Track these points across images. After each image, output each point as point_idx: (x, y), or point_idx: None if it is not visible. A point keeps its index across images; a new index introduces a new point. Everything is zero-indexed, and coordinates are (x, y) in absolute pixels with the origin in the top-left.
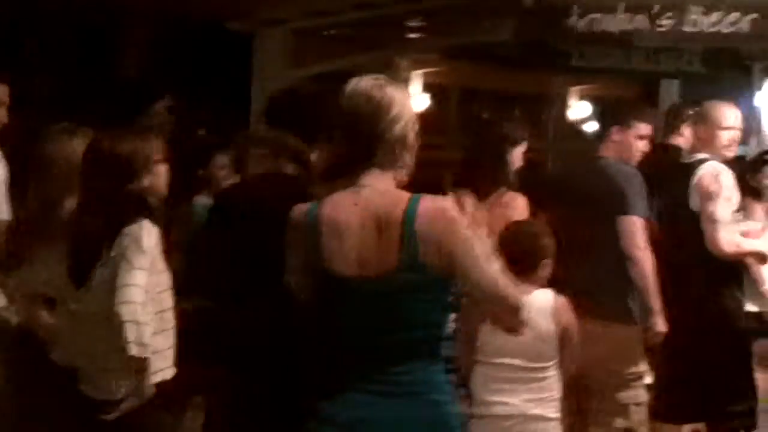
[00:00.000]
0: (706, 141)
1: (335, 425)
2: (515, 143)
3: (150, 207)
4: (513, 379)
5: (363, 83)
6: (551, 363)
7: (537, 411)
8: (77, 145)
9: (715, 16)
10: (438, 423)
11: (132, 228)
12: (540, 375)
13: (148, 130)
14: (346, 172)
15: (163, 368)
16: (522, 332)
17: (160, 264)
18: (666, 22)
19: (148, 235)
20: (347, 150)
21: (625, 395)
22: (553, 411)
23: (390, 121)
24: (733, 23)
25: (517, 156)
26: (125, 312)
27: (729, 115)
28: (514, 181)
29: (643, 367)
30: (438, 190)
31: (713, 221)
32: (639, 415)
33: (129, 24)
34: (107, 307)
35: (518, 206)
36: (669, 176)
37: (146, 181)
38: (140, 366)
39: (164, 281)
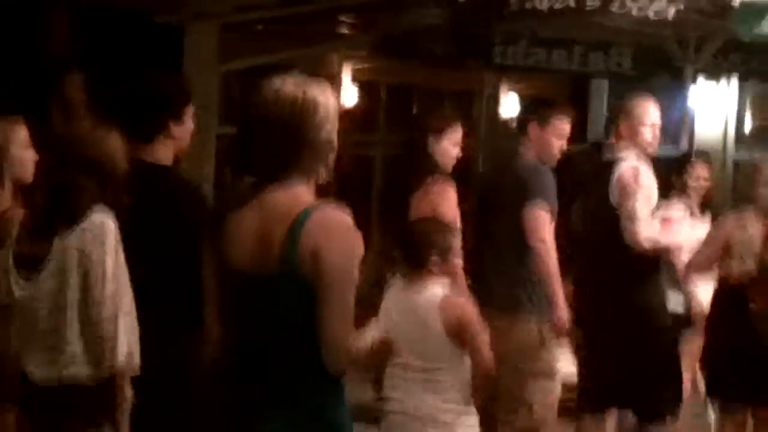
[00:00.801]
0: (629, 137)
1: None
2: (439, 132)
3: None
4: (409, 378)
5: (286, 85)
6: (447, 363)
7: (430, 413)
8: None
9: (642, 1)
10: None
11: (91, 221)
12: (436, 376)
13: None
14: (261, 174)
15: None
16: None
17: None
18: (593, 3)
19: (112, 233)
20: (265, 153)
21: (528, 392)
22: (449, 415)
23: (317, 125)
24: (658, 11)
25: (444, 146)
26: (107, 327)
27: (651, 110)
28: (444, 173)
29: (546, 363)
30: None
31: (631, 218)
32: (543, 413)
33: (53, 12)
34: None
35: (447, 196)
36: (593, 174)
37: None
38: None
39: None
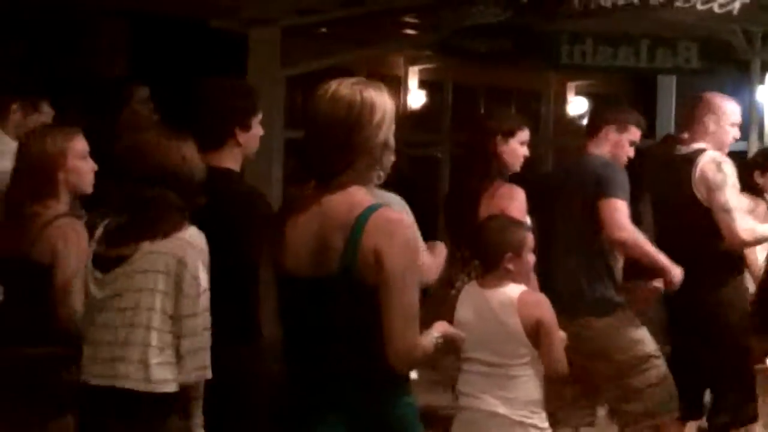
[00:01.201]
0: (710, 133)
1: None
2: (509, 134)
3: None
4: (483, 374)
5: (341, 89)
6: (522, 361)
7: (502, 410)
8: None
9: None
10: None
11: (188, 232)
12: (510, 373)
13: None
14: (322, 177)
15: None
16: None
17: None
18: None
19: (204, 247)
20: (319, 155)
21: (636, 380)
22: (522, 414)
23: (374, 127)
24: (724, 4)
25: (513, 147)
26: (192, 342)
27: (737, 110)
28: (513, 174)
29: (647, 347)
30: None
31: (728, 210)
32: (657, 396)
33: (114, 23)
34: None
35: (516, 197)
36: (668, 169)
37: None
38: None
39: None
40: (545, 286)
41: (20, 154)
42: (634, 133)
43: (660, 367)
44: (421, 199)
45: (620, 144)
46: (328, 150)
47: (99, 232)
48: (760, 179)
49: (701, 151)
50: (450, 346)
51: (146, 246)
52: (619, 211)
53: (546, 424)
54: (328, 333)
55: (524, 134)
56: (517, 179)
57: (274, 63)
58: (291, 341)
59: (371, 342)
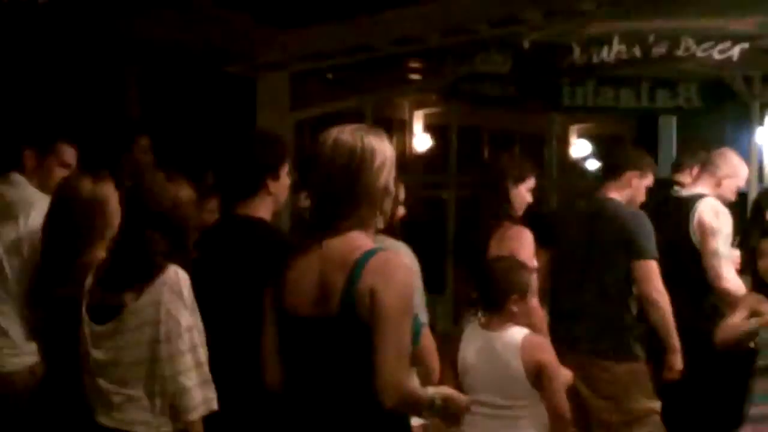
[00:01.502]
0: (713, 184)
1: None
2: (519, 180)
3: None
4: (488, 416)
5: (343, 135)
6: (524, 402)
7: None
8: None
9: (706, 44)
10: None
11: (169, 274)
12: (513, 413)
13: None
14: (322, 222)
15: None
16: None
17: (196, 313)
18: (658, 50)
19: (186, 283)
20: (324, 202)
21: (637, 429)
22: None
23: (374, 173)
24: (723, 51)
25: (522, 192)
26: (180, 384)
27: (746, 176)
28: (521, 217)
29: (654, 403)
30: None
31: (717, 256)
32: None
33: (132, 66)
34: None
35: (524, 240)
36: (666, 210)
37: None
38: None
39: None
40: (567, 325)
41: (66, 202)
42: (651, 179)
43: (658, 423)
44: (428, 239)
45: (639, 189)
46: (330, 195)
47: (89, 280)
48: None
49: (701, 196)
50: (447, 411)
51: (132, 298)
52: (655, 272)
53: None
54: (329, 371)
55: (532, 181)
56: (530, 217)
57: (284, 107)
58: (292, 379)
59: (369, 381)
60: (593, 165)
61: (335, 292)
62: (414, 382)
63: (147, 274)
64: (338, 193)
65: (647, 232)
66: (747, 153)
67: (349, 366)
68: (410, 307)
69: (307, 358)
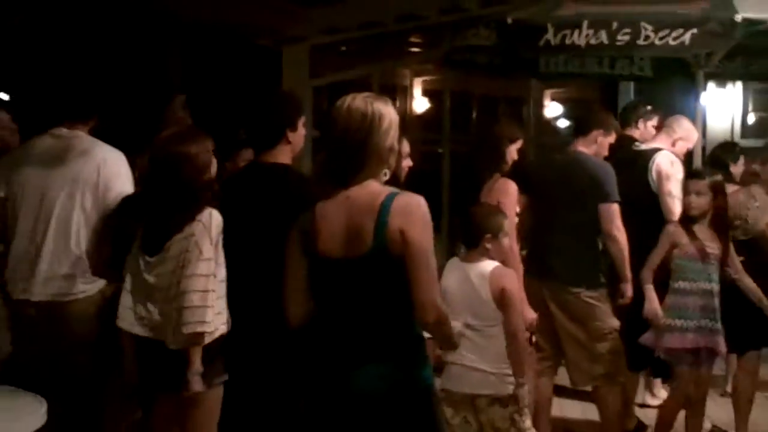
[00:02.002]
0: (669, 143)
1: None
2: (512, 141)
3: (216, 197)
4: (464, 335)
5: (356, 102)
6: (493, 323)
7: (477, 365)
8: None
9: (663, 32)
10: (411, 379)
11: (203, 215)
12: (486, 333)
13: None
14: (341, 175)
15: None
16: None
17: (221, 254)
18: (622, 38)
19: (216, 223)
20: (339, 160)
21: (601, 346)
22: (497, 367)
23: (382, 134)
24: (677, 37)
25: (513, 150)
26: (187, 299)
27: (695, 136)
28: (508, 170)
29: (613, 322)
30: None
31: (671, 197)
32: (615, 363)
33: (176, 39)
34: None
35: (509, 190)
36: (629, 161)
37: (209, 174)
38: (196, 340)
39: (222, 272)
40: (543, 258)
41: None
42: (613, 136)
43: (617, 339)
44: (426, 185)
45: (604, 144)
46: (346, 152)
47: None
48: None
49: (659, 149)
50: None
51: (179, 234)
52: (616, 213)
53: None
54: (365, 302)
55: (520, 142)
56: (513, 168)
57: (304, 75)
58: (326, 313)
59: (399, 306)
60: (563, 124)
61: (366, 233)
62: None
63: (188, 216)
64: (352, 151)
65: (611, 179)
66: (693, 114)
67: (383, 296)
68: (432, 238)
69: (342, 294)
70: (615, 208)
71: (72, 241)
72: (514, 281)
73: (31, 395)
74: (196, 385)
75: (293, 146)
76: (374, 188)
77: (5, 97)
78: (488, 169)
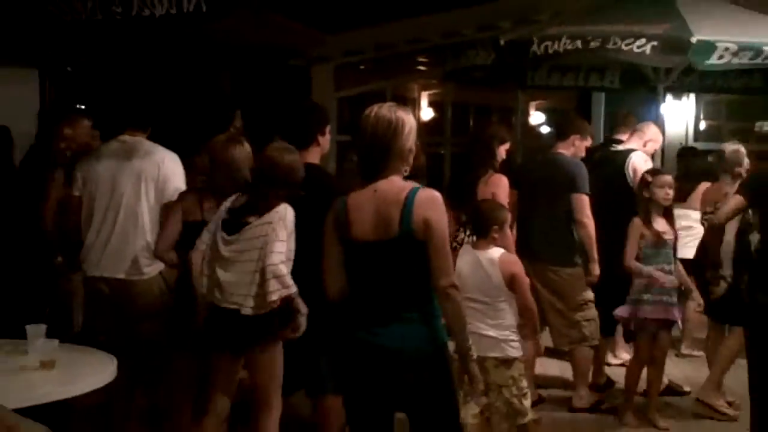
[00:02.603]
0: (641, 144)
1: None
2: (502, 142)
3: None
4: (476, 309)
5: (382, 110)
6: (501, 300)
7: (490, 332)
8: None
9: (628, 40)
10: (428, 337)
11: (280, 208)
12: (495, 307)
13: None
14: (370, 172)
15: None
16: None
17: (293, 241)
18: (594, 44)
19: (290, 216)
20: (368, 160)
21: (578, 315)
22: (502, 334)
23: (404, 138)
24: (640, 46)
25: (502, 150)
26: (270, 270)
27: (660, 138)
28: (499, 167)
29: (588, 294)
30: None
31: None
32: (589, 329)
33: (227, 60)
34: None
35: (502, 184)
36: (607, 160)
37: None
38: (274, 305)
39: (291, 255)
40: (529, 242)
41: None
42: (589, 140)
43: (592, 309)
44: (430, 182)
45: (580, 147)
46: (374, 153)
47: (224, 208)
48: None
49: (633, 150)
50: None
51: (256, 219)
52: (586, 204)
53: (518, 339)
54: (391, 277)
55: (508, 144)
56: (506, 168)
57: (330, 89)
58: (358, 287)
59: (420, 279)
60: (545, 130)
61: (393, 221)
62: None
63: (266, 207)
64: (379, 152)
65: (584, 176)
66: (655, 121)
67: (407, 271)
68: (447, 224)
69: (373, 270)
70: (585, 199)
71: (138, 228)
72: (520, 266)
73: (104, 354)
74: (302, 326)
75: (322, 148)
76: (399, 183)
77: (82, 107)
78: (482, 165)
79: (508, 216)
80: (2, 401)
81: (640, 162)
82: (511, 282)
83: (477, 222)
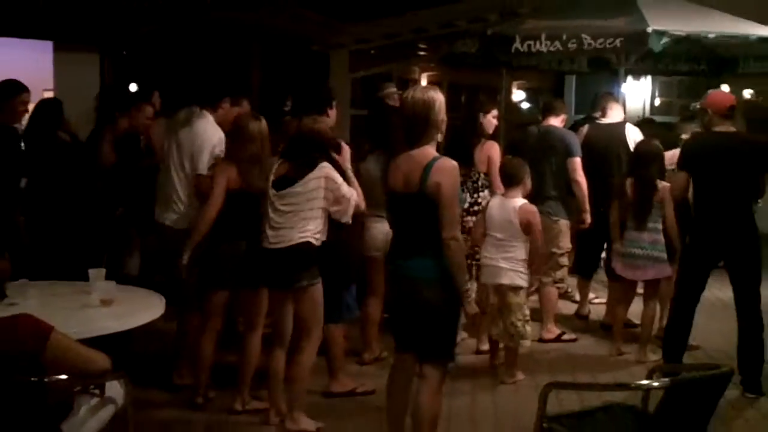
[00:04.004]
0: (619, 117)
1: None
2: (486, 111)
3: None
4: (495, 245)
5: (416, 93)
6: (517, 239)
7: (504, 264)
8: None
9: (599, 40)
10: (437, 268)
11: (323, 165)
12: (510, 245)
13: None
14: (411, 140)
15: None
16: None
17: None
18: (572, 46)
19: (331, 168)
20: (410, 131)
21: (562, 259)
22: (514, 266)
23: (437, 112)
24: (610, 43)
25: (489, 118)
26: (347, 196)
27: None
28: (491, 134)
29: (569, 244)
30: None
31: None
32: (564, 271)
33: (255, 46)
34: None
35: (495, 148)
36: (606, 132)
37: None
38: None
39: None
40: (537, 197)
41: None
42: (564, 117)
43: (566, 257)
44: None
45: (564, 121)
46: (414, 126)
47: (275, 168)
48: None
49: (625, 121)
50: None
51: (299, 179)
52: (579, 165)
53: (527, 271)
54: (413, 220)
55: (494, 111)
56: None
57: (345, 71)
58: (394, 229)
59: (433, 227)
60: (525, 106)
61: (415, 181)
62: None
63: (310, 165)
64: (418, 125)
65: (576, 142)
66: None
67: (425, 218)
68: (457, 192)
69: (401, 214)
70: (578, 161)
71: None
72: (536, 215)
73: (156, 294)
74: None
75: (330, 119)
76: (427, 152)
77: (134, 87)
78: (474, 134)
79: (528, 171)
80: (69, 333)
81: (635, 131)
82: (527, 227)
83: (506, 176)
